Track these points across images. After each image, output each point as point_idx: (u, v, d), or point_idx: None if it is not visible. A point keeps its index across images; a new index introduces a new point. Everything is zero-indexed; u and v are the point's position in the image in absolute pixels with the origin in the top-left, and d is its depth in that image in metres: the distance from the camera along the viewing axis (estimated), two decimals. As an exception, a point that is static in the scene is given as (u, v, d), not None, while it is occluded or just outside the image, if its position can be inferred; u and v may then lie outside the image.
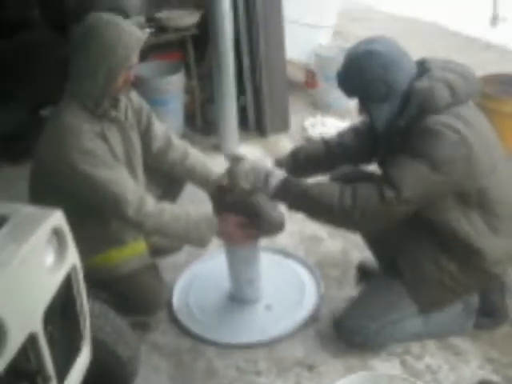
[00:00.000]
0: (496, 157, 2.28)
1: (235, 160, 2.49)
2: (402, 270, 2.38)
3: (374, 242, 2.71)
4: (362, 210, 2.18)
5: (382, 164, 2.44)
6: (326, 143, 2.66)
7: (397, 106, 2.24)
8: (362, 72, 2.24)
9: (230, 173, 2.48)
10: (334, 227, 2.62)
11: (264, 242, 2.83)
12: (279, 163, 2.61)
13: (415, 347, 2.50)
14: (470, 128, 2.17)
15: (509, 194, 2.32)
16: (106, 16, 2.43)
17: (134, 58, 2.39)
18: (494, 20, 6.70)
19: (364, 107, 2.34)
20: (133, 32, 2.38)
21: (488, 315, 2.52)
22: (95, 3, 4.47)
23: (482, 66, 5.27)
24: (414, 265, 2.37)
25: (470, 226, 2.25)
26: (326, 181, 2.57)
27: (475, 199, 2.24)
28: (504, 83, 3.25)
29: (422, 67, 2.29)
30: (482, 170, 2.20)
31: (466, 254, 2.29)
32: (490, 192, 2.24)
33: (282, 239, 3.11)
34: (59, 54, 5.27)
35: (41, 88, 5.10)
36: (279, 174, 2.36)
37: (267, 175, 2.35)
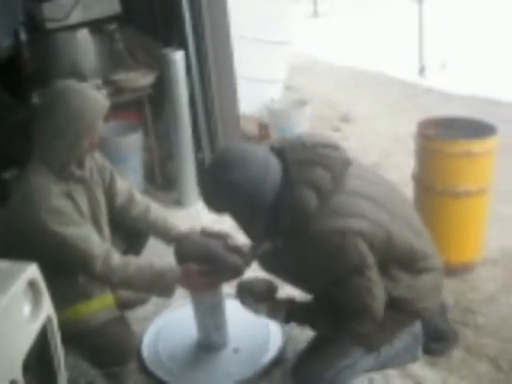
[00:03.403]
0: (386, 218, 2.21)
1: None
2: None
3: None
4: (362, 330, 2.26)
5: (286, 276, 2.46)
6: None
7: (268, 221, 2.17)
8: (223, 201, 2.17)
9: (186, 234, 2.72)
10: None
11: (227, 287, 2.94)
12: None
13: (379, 380, 2.64)
14: (352, 217, 2.11)
15: (416, 240, 2.31)
16: (73, 83, 2.58)
17: (99, 123, 2.52)
18: (422, 71, 7.09)
19: (235, 221, 2.27)
20: (98, 99, 2.51)
21: (438, 340, 2.64)
22: (54, 68, 4.61)
23: (425, 110, 5.59)
24: None
25: (387, 279, 2.24)
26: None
27: (384, 261, 2.20)
28: (443, 125, 3.43)
29: (283, 165, 2.16)
30: (380, 242, 2.15)
31: (397, 303, 2.30)
32: (395, 251, 2.23)
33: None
34: (17, 118, 5.38)
35: (0, 151, 5.17)
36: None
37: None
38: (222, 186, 2.12)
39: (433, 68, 7.13)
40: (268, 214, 2.14)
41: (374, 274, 2.16)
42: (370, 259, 2.13)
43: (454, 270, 3.22)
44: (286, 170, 2.15)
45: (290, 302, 2.48)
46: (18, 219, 2.47)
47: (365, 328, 2.25)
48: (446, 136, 3.32)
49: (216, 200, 2.19)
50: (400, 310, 2.31)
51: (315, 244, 2.11)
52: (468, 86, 6.54)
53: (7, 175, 4.69)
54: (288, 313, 2.44)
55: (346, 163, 2.24)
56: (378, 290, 2.18)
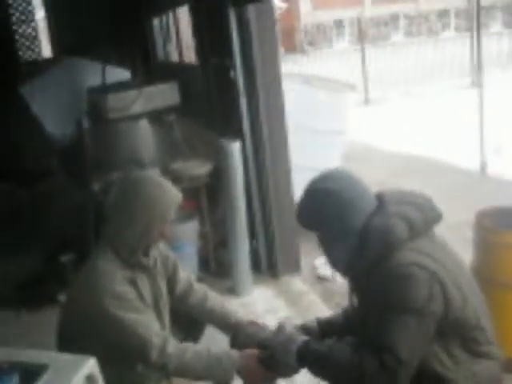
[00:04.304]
0: (464, 285, 2.21)
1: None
2: None
3: None
4: (369, 381, 2.12)
5: (359, 309, 2.40)
6: (345, 313, 2.67)
7: (355, 246, 2.20)
8: (316, 210, 2.22)
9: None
10: None
11: (282, 382, 2.87)
12: (306, 330, 2.62)
13: None
14: (435, 262, 2.14)
15: (483, 319, 2.24)
16: (150, 174, 2.67)
17: (171, 214, 2.59)
18: (483, 168, 6.99)
19: (321, 243, 2.31)
20: (173, 191, 2.61)
21: None
22: (114, 155, 4.78)
23: (480, 196, 5.52)
24: None
25: (449, 358, 2.17)
26: (340, 347, 2.34)
27: (452, 330, 2.16)
28: (502, 215, 3.38)
29: (379, 202, 2.27)
30: (454, 303, 2.13)
31: None
32: (465, 321, 2.18)
33: (299, 379, 3.13)
34: (76, 203, 5.55)
35: (58, 235, 5.31)
36: (299, 340, 2.36)
37: (288, 344, 2.37)
38: (318, 192, 2.23)
39: (488, 154, 7.08)
40: (356, 237, 2.19)
41: (426, 323, 2.07)
42: (436, 307, 2.07)
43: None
44: (382, 204, 2.24)
45: (305, 341, 2.36)
46: (82, 302, 2.51)
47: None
48: (506, 226, 3.26)
49: (310, 210, 2.25)
50: None
51: (391, 273, 2.11)
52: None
53: (64, 259, 4.79)
54: (300, 351, 2.32)
55: (438, 215, 2.30)
56: (416, 340, 2.06)
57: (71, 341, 2.47)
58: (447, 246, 2.33)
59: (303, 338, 2.40)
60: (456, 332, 2.18)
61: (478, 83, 7.18)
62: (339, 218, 2.20)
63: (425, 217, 2.23)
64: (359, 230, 2.19)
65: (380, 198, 2.28)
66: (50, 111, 6.35)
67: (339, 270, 2.36)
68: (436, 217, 2.30)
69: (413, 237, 2.17)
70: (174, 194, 2.60)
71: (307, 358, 2.32)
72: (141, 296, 2.60)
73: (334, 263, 2.33)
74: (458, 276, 2.20)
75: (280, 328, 2.55)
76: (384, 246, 2.15)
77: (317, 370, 2.32)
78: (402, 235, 2.15)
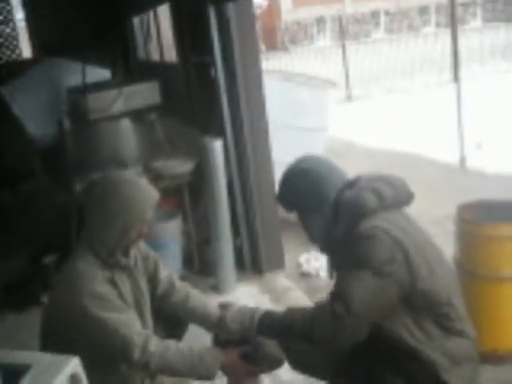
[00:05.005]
0: (432, 260, 2.29)
1: (225, 306, 2.67)
2: None
3: None
4: (319, 332, 2.23)
5: (333, 276, 2.54)
6: None
7: (330, 217, 2.36)
8: (294, 188, 2.41)
9: (220, 318, 2.66)
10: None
11: (268, 377, 2.88)
12: None
13: None
14: (401, 231, 2.24)
15: (454, 297, 2.30)
16: (127, 175, 2.68)
17: (149, 214, 2.59)
18: (463, 162, 7.06)
19: (300, 220, 2.46)
20: (149, 191, 2.60)
21: None
22: (95, 155, 4.76)
23: (462, 190, 5.56)
24: None
25: (422, 332, 2.24)
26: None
27: (422, 304, 2.23)
28: (483, 208, 3.41)
29: (353, 179, 2.43)
30: (420, 273, 2.21)
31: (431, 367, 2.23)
32: (434, 295, 2.24)
33: (285, 374, 3.15)
34: (58, 203, 5.52)
35: (41, 236, 5.27)
36: (261, 311, 2.50)
37: (252, 314, 2.50)
38: (294, 172, 2.41)
39: (468, 148, 7.13)
40: (330, 210, 2.35)
41: (384, 284, 2.16)
42: (397, 271, 2.17)
43: (501, 358, 3.13)
44: (355, 180, 2.40)
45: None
46: (63, 303, 2.50)
47: (327, 328, 2.20)
48: (487, 219, 3.29)
49: (288, 189, 2.42)
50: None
51: (357, 236, 2.25)
52: (505, 165, 6.52)
53: (47, 260, 4.77)
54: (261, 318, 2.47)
55: (410, 195, 2.43)
56: (371, 297, 2.16)
57: (54, 342, 2.46)
58: (419, 225, 2.44)
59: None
60: (427, 307, 2.24)
61: (455, 78, 7.24)
62: (314, 192, 2.36)
63: (395, 193, 2.35)
64: (332, 202, 2.35)
65: (355, 178, 2.43)
66: (31, 112, 6.30)
67: (317, 244, 2.53)
68: (408, 196, 2.42)
69: (382, 208, 2.30)
70: (151, 193, 2.60)
71: (265, 320, 2.45)
72: (121, 296, 2.60)
73: (312, 237, 2.49)
74: (427, 250, 2.31)
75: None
76: (354, 216, 2.29)
77: (276, 328, 2.43)
78: (371, 205, 2.28)
